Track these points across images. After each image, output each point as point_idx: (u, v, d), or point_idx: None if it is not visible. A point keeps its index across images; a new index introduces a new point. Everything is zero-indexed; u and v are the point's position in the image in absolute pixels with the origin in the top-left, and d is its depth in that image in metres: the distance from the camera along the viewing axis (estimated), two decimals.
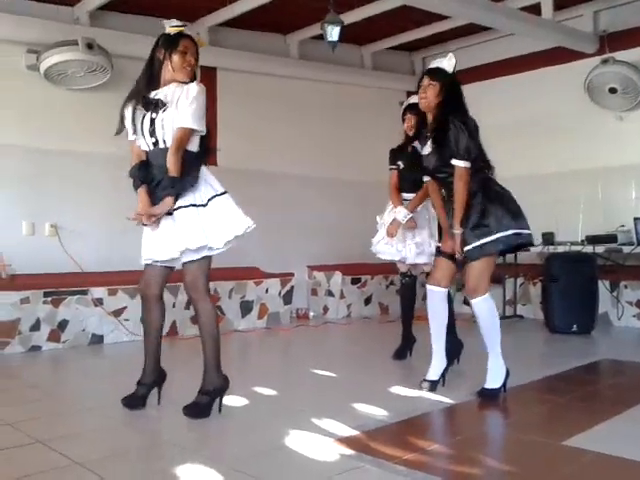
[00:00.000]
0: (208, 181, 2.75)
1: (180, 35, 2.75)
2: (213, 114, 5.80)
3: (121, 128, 2.79)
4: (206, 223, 2.67)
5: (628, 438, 2.48)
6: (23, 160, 4.88)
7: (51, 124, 5.02)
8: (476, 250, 2.98)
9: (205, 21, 5.67)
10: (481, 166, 3.06)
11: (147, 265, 2.83)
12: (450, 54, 3.13)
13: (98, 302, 4.62)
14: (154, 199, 2.69)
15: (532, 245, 3.24)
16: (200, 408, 2.73)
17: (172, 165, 2.64)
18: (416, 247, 3.89)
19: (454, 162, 2.97)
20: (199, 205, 2.68)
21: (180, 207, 2.67)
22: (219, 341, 2.77)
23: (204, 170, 2.77)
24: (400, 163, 4.02)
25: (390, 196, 4.05)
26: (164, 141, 2.70)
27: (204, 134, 2.75)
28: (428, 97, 3.05)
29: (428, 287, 3.21)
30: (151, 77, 2.76)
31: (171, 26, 2.77)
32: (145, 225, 2.71)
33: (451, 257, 3.10)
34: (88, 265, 4.94)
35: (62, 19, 5.02)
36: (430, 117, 3.10)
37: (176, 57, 2.72)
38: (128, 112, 2.75)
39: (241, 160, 5.91)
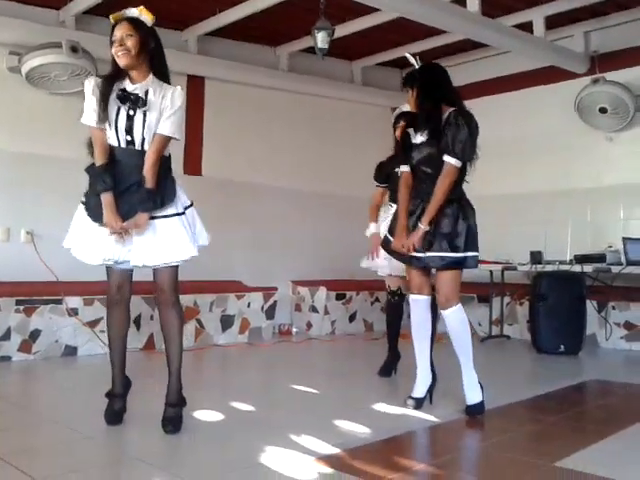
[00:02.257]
0: (182, 188, 2.70)
1: (115, 24, 2.58)
2: (199, 123, 5.70)
3: (104, 117, 2.56)
4: (187, 232, 2.62)
5: (621, 460, 2.37)
6: (0, 164, 4.73)
7: (31, 128, 4.87)
8: (437, 260, 2.90)
9: (194, 30, 5.60)
10: (463, 177, 2.98)
11: (113, 269, 2.69)
12: (406, 54, 3.14)
13: (73, 312, 4.45)
14: (121, 204, 2.54)
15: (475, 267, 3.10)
16: (180, 420, 2.61)
17: (152, 176, 2.55)
18: None
19: (446, 158, 2.86)
20: (181, 214, 2.62)
21: (166, 216, 2.58)
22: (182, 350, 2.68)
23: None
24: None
25: (369, 211, 4.12)
26: (142, 143, 2.57)
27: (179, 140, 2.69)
28: (411, 103, 3.04)
29: (411, 297, 3.08)
30: (115, 66, 2.61)
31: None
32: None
33: (421, 268, 3.00)
34: (64, 274, 4.74)
35: (47, 22, 4.91)
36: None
37: (112, 49, 2.58)
38: (96, 96, 2.56)
39: (226, 171, 5.80)
